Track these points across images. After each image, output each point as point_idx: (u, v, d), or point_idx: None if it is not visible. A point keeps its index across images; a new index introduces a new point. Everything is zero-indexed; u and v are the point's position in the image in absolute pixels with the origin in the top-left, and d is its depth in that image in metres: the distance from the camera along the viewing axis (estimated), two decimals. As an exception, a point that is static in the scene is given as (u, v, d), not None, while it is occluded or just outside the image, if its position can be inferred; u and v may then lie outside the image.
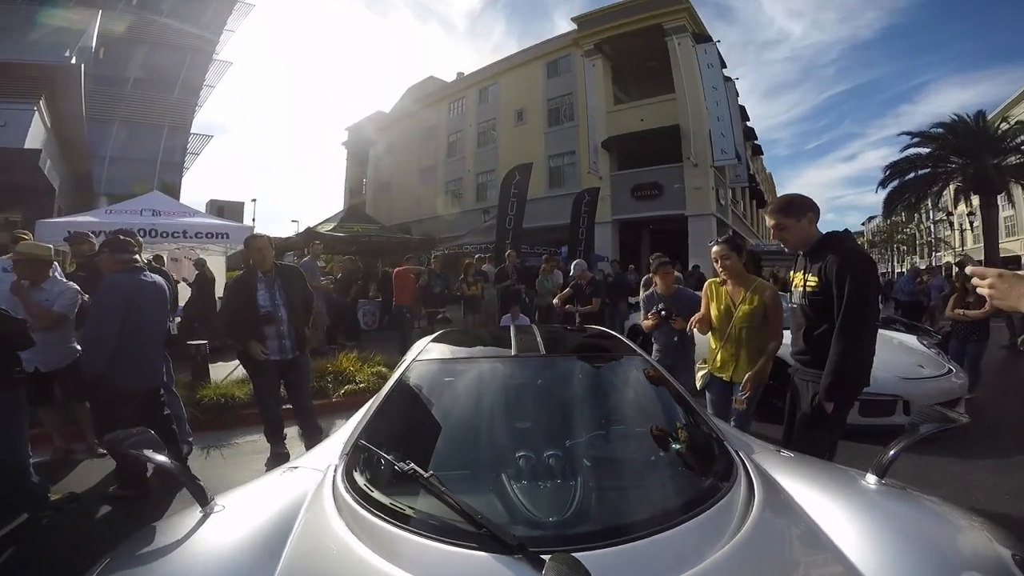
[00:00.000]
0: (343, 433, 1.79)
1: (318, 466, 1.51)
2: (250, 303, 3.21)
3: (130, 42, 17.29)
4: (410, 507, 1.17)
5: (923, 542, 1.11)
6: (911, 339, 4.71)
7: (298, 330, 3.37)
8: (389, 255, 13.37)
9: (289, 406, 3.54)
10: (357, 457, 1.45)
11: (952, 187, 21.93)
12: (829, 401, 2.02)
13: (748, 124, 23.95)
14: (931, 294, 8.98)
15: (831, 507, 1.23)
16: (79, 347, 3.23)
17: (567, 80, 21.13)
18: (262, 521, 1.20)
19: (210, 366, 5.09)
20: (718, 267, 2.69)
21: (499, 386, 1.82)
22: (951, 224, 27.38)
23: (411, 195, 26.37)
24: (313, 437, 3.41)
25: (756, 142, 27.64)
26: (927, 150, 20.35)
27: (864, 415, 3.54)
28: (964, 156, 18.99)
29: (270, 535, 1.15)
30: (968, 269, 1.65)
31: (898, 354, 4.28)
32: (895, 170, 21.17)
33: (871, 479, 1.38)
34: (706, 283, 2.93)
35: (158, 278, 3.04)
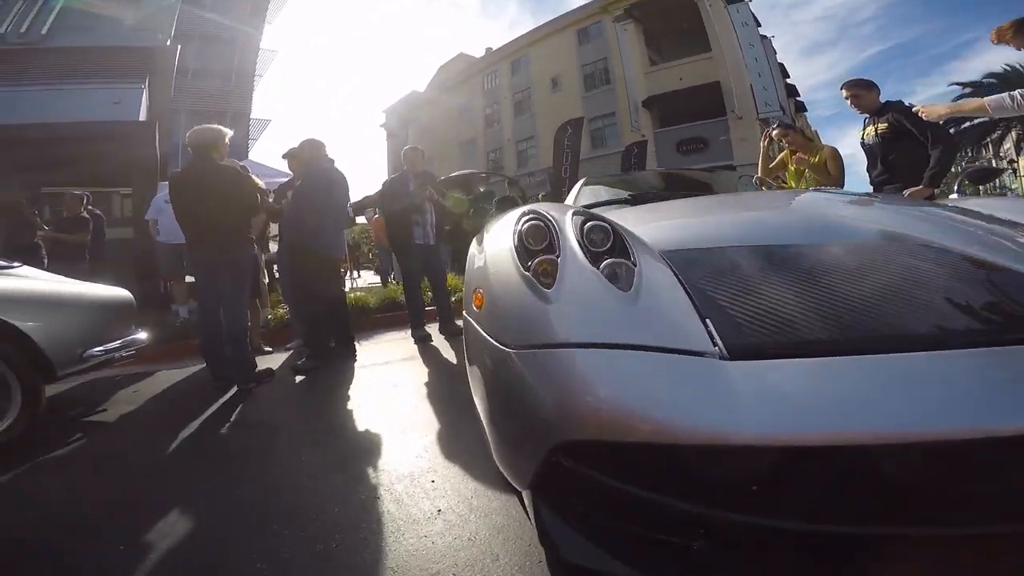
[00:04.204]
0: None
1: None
2: (405, 194, 3.96)
3: (183, 36, 18.35)
4: None
5: None
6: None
7: (438, 224, 4.07)
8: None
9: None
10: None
11: (1013, 135, 20.99)
12: (931, 186, 2.71)
13: (789, 81, 23.36)
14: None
15: None
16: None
17: (599, 45, 21.29)
18: None
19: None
20: (784, 143, 3.48)
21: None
22: (1015, 172, 26.29)
23: (454, 168, 27.02)
24: (446, 315, 4.15)
25: (799, 99, 26.88)
26: (982, 100, 19.69)
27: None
28: (1023, 103, 18.27)
29: None
30: None
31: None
32: (949, 119, 20.36)
33: None
34: (781, 155, 3.64)
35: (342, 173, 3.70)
